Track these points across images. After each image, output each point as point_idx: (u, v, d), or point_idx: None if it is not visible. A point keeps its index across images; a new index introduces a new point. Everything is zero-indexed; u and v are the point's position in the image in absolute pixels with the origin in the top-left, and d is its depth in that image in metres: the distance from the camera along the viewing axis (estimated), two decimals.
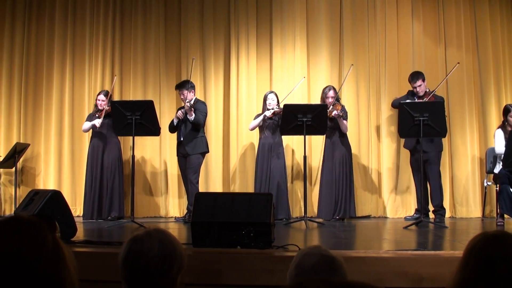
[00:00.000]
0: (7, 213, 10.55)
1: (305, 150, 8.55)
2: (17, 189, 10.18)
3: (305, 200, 8.47)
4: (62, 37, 10.93)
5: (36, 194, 6.36)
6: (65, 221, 5.98)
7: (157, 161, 10.52)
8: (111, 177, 9.57)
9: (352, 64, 9.55)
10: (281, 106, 8.92)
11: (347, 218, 9.02)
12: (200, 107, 9.23)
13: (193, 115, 9.01)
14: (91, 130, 9.77)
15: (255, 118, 9.42)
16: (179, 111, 9.24)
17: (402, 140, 9.26)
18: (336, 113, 8.85)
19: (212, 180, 10.20)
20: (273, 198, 8.81)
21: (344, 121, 9.04)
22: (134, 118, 8.19)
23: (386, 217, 9.77)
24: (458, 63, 9.09)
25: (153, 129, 8.45)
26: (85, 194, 9.63)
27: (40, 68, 10.96)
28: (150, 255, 2.51)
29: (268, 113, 9.12)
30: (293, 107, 8.44)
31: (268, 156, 9.19)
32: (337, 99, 9.14)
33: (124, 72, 10.74)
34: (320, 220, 8.79)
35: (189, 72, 9.22)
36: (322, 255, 2.65)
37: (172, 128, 9.39)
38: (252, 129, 9.49)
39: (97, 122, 9.42)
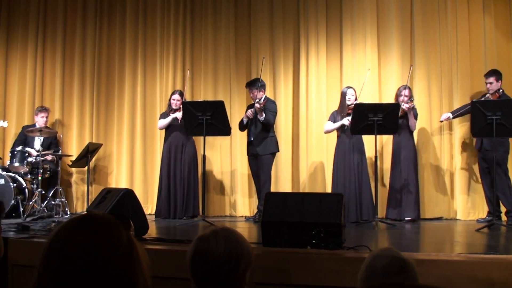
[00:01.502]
0: (79, 210, 10.84)
1: (376, 150, 8.47)
2: (90, 187, 10.39)
3: (376, 200, 8.39)
4: (133, 39, 11.16)
5: (108, 193, 6.48)
6: (137, 219, 6.08)
7: (227, 160, 10.59)
8: (188, 177, 9.64)
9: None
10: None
11: (417, 219, 8.88)
12: (270, 106, 9.22)
13: (264, 115, 9.01)
14: (164, 130, 9.87)
15: (330, 119, 9.29)
16: (249, 110, 9.22)
17: (475, 140, 9.07)
18: (407, 106, 8.74)
19: (281, 179, 10.18)
20: (357, 196, 8.81)
21: (414, 120, 8.92)
22: (205, 118, 8.28)
23: (458, 219, 9.55)
24: None
25: (224, 129, 8.51)
26: (159, 192, 9.74)
27: (112, 70, 11.21)
28: (217, 253, 2.54)
29: (345, 121, 9.02)
30: (364, 106, 8.36)
31: (350, 152, 9.01)
32: (411, 99, 9.00)
33: (195, 72, 10.86)
34: (391, 221, 8.69)
35: (259, 71, 9.21)
36: (393, 257, 2.63)
37: (242, 127, 9.42)
38: (327, 132, 9.35)
39: (179, 115, 9.46)
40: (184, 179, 9.62)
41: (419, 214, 9.01)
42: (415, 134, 9.21)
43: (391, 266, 2.58)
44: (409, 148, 9.01)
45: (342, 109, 9.10)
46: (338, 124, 9.06)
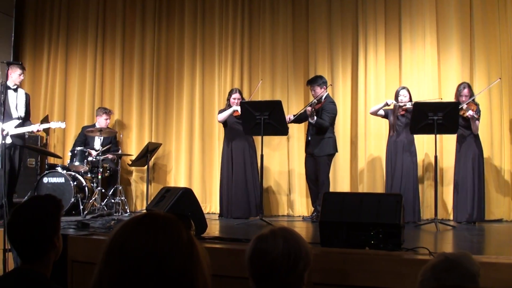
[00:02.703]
0: (138, 208, 11.02)
1: (436, 149, 8.30)
2: (149, 186, 10.53)
3: (435, 201, 8.24)
4: (192, 40, 11.26)
5: (167, 191, 6.55)
6: (196, 218, 6.11)
7: (285, 160, 10.58)
8: (252, 177, 9.53)
9: (500, 78, 9.15)
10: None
11: (479, 221, 8.70)
12: (328, 107, 9.13)
13: (315, 118, 8.94)
14: (223, 129, 9.87)
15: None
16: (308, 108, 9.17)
17: None
18: (471, 114, 8.49)
19: (340, 179, 10.12)
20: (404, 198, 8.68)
21: (477, 122, 8.65)
22: (262, 118, 8.27)
23: None
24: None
25: (281, 129, 8.48)
26: (222, 192, 9.70)
27: (170, 70, 11.35)
28: (275, 253, 2.54)
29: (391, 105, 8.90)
30: (423, 105, 8.23)
31: (401, 154, 8.86)
32: (473, 99, 8.79)
33: (253, 72, 10.90)
34: (451, 222, 8.53)
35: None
36: (445, 257, 2.64)
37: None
38: (373, 112, 9.22)
39: (238, 108, 9.30)
40: (247, 179, 9.54)
41: (482, 216, 8.73)
42: None
43: (438, 265, 2.61)
44: (475, 147, 8.77)
45: (395, 109, 9.01)
46: (381, 104, 9.02)
